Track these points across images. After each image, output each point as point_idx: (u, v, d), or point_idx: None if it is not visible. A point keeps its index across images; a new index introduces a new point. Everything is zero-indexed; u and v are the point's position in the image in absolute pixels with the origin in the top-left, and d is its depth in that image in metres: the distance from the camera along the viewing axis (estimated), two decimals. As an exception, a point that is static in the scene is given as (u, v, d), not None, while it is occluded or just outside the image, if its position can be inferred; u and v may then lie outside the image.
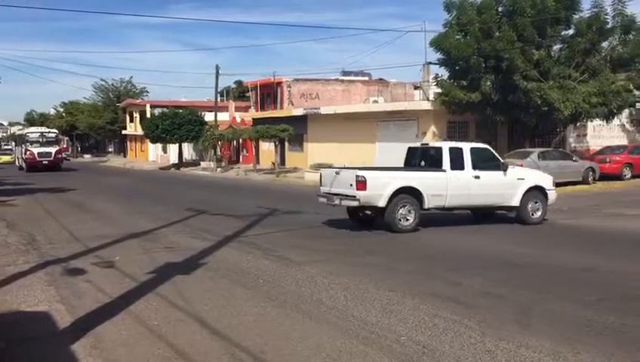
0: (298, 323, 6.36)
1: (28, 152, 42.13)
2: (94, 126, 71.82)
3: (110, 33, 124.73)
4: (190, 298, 7.32)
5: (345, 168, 14.39)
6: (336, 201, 13.18)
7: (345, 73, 48.92)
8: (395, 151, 29.33)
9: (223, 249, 10.88)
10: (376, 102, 38.86)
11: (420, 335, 5.92)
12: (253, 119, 42.99)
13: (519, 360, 5.23)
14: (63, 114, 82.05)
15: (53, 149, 42.86)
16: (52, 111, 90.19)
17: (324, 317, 6.57)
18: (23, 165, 43.15)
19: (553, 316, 6.52)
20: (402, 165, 14.84)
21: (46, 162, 41.80)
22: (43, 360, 5.44)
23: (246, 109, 50.35)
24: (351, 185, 12.74)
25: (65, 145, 54.83)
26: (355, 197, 12.65)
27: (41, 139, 43.24)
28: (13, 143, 65.37)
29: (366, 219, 13.88)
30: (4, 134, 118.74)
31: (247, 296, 7.51)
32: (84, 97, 78.14)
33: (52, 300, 7.26)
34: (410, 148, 14.93)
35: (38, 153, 41.96)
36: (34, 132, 45.76)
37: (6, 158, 57.98)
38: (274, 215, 15.93)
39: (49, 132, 45.96)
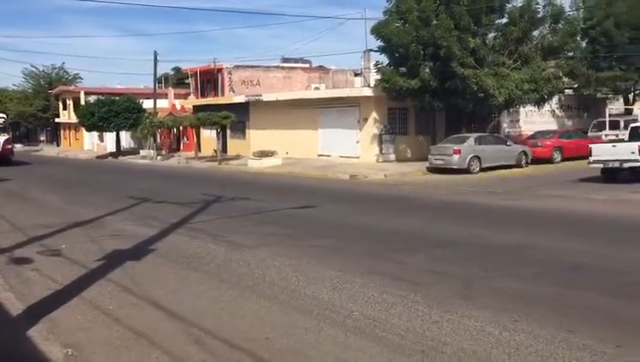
0: (252, 303, 6.54)
1: None
2: (25, 114, 69.03)
3: (40, 18, 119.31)
4: (143, 283, 7.38)
5: (620, 141, 19.87)
6: (616, 165, 17.94)
7: (285, 60, 48.73)
8: (338, 137, 29.97)
9: (170, 235, 10.89)
10: (317, 89, 39.07)
11: (370, 310, 6.21)
12: (193, 106, 42.44)
13: (463, 329, 5.59)
14: (-10, 101, 78.47)
15: (1, 138, 34.48)
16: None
17: (278, 296, 6.78)
18: None
19: (493, 289, 6.94)
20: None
21: None
22: (-2, 346, 5.41)
23: (185, 96, 49.55)
24: (632, 152, 17.53)
25: None
26: (638, 160, 17.43)
27: None
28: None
29: (614, 175, 18.30)
30: None
31: (199, 280, 7.63)
32: (13, 84, 75.17)
33: (0, 289, 7.16)
34: (633, 127, 19.96)
35: None
36: None
37: None
38: (220, 202, 15.96)
39: None
